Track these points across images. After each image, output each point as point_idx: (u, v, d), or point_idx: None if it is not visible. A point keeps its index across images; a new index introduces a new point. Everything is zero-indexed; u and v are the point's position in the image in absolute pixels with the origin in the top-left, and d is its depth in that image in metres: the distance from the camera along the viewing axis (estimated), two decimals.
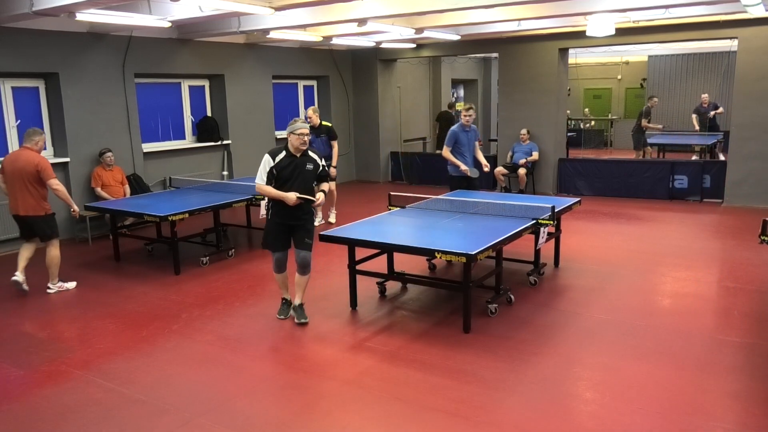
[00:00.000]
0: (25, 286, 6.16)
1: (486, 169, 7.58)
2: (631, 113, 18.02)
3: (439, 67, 15.46)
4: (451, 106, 15.24)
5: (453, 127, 7.48)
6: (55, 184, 5.99)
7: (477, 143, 7.60)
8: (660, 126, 13.85)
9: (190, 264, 7.07)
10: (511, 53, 11.39)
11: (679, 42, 12.59)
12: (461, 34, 10.56)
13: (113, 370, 4.45)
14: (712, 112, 13.41)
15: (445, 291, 5.93)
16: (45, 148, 6.33)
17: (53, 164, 8.10)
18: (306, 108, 12.59)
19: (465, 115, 7.28)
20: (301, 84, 12.49)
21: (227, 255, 7.43)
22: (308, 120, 8.37)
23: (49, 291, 6.25)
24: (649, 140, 13.73)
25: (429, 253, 5.03)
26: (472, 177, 7.43)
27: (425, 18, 8.72)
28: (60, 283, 6.32)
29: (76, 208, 6.30)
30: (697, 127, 13.62)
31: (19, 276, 6.13)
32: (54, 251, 6.21)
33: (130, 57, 8.96)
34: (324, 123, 8.64)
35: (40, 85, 8.36)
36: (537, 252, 6.21)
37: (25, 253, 6.22)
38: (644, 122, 13.27)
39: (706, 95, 13.79)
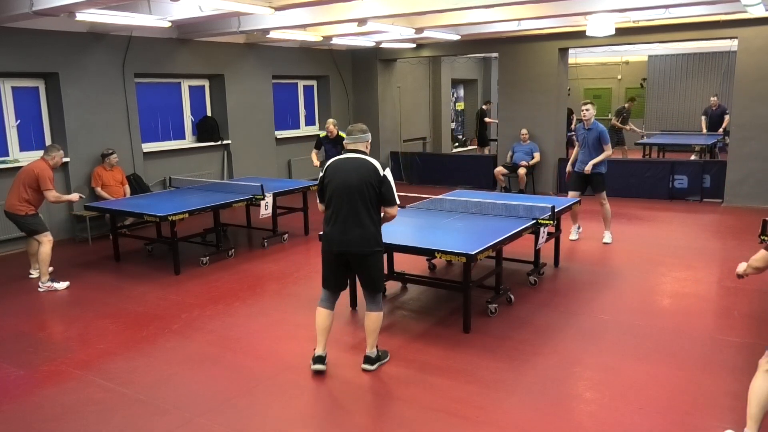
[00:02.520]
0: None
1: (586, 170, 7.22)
2: (630, 113, 18.02)
3: (439, 67, 15.46)
4: (488, 102, 15.27)
5: (578, 124, 7.25)
6: (52, 196, 6.27)
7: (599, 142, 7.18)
8: (627, 127, 13.69)
9: (190, 264, 7.07)
10: (511, 53, 11.40)
11: (679, 42, 12.59)
12: (461, 34, 10.56)
13: (113, 370, 4.45)
14: (721, 130, 13.25)
15: (445, 291, 5.93)
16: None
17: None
18: (307, 111, 12.70)
19: (582, 110, 6.97)
20: (301, 84, 12.49)
21: (227, 255, 7.43)
22: (329, 132, 8.96)
23: (39, 289, 6.32)
24: (649, 140, 13.72)
25: (429, 253, 5.03)
26: (585, 175, 7.26)
27: (425, 18, 8.72)
28: (49, 283, 6.33)
29: (73, 197, 6.57)
30: (704, 130, 13.59)
31: (33, 273, 6.74)
32: (43, 248, 6.32)
33: (130, 57, 8.96)
34: (341, 134, 8.93)
35: (40, 85, 8.36)
36: (537, 252, 6.21)
37: (30, 249, 6.68)
38: (614, 120, 13.29)
39: (715, 98, 13.69)
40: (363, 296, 4.39)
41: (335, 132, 8.95)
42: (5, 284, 6.56)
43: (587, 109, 7.03)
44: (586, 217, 8.69)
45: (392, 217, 4.26)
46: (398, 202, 4.23)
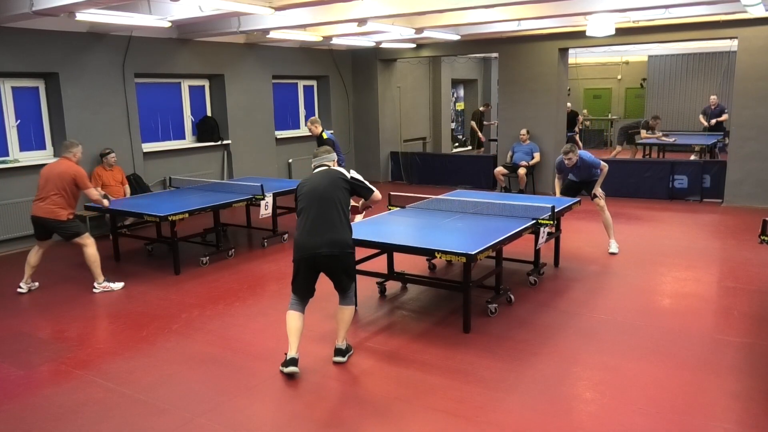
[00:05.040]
0: (33, 287, 6.36)
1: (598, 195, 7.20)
2: (631, 113, 18.03)
3: (439, 67, 15.46)
4: (487, 105, 15.31)
5: (559, 157, 7.13)
6: (93, 192, 6.22)
7: (597, 170, 7.15)
8: (658, 134, 13.63)
9: (190, 264, 7.07)
10: (511, 53, 11.39)
11: (679, 42, 12.59)
12: (461, 34, 10.56)
13: (113, 370, 4.45)
14: (714, 120, 13.32)
15: (445, 291, 5.93)
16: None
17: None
18: (307, 112, 12.70)
19: (565, 160, 6.92)
20: (301, 84, 12.49)
21: (227, 255, 7.43)
22: (310, 131, 8.81)
23: (94, 290, 6.18)
24: (649, 140, 13.73)
25: (429, 253, 5.03)
26: (580, 183, 7.28)
27: (425, 18, 8.72)
28: (105, 283, 6.20)
29: (106, 202, 6.53)
30: (705, 124, 13.58)
31: (23, 287, 6.27)
32: (89, 250, 6.12)
33: (130, 57, 8.96)
34: (324, 134, 8.80)
35: (40, 85, 8.36)
36: (537, 252, 6.21)
37: (32, 260, 6.27)
38: (643, 133, 13.30)
39: (714, 97, 13.65)
40: (336, 291, 4.52)
41: (316, 131, 8.67)
42: (5, 284, 6.55)
43: (570, 158, 6.91)
44: (587, 216, 8.69)
45: (378, 200, 4.63)
46: (374, 189, 4.57)
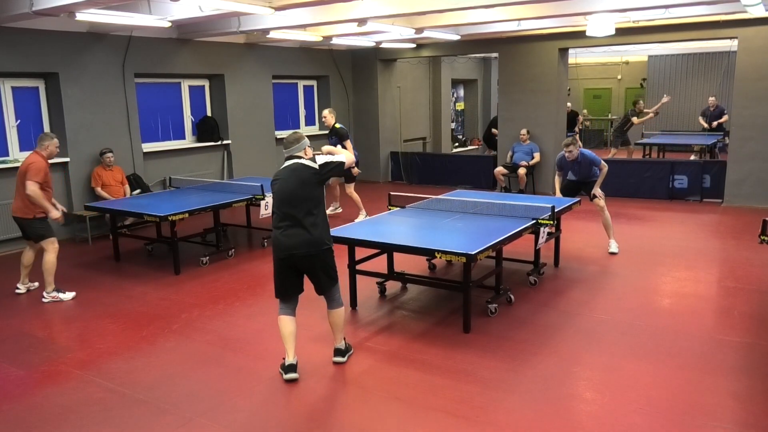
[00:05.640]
0: (32, 287, 6.33)
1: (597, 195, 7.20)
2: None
3: (439, 67, 15.46)
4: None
5: (560, 153, 7.18)
6: (30, 186, 5.69)
7: (597, 169, 7.15)
8: (650, 112, 13.54)
9: (190, 264, 7.07)
10: (511, 53, 11.40)
11: (679, 42, 12.59)
12: (461, 34, 10.56)
13: (113, 370, 4.45)
14: (715, 123, 13.32)
15: (445, 291, 5.93)
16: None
17: (53, 164, 8.08)
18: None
19: (566, 153, 6.95)
20: (301, 84, 12.50)
21: (227, 255, 7.43)
22: (324, 122, 8.93)
23: (43, 300, 5.97)
24: (649, 140, 13.73)
25: (429, 253, 5.03)
26: (579, 183, 7.29)
27: (425, 18, 8.72)
28: (54, 293, 5.97)
29: (55, 213, 5.92)
30: (705, 126, 13.58)
31: (21, 288, 6.27)
32: (48, 256, 5.91)
33: (130, 57, 8.96)
34: (337, 125, 8.90)
35: (40, 85, 8.36)
36: (537, 252, 6.21)
37: (25, 260, 6.23)
38: (635, 119, 13.25)
39: (713, 98, 13.66)
40: (320, 295, 4.41)
41: (331, 121, 8.85)
42: (5, 284, 6.55)
43: (570, 151, 6.92)
44: (587, 216, 8.69)
45: (353, 160, 4.57)
46: (343, 159, 4.36)
